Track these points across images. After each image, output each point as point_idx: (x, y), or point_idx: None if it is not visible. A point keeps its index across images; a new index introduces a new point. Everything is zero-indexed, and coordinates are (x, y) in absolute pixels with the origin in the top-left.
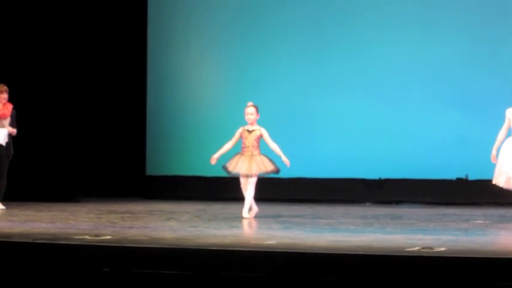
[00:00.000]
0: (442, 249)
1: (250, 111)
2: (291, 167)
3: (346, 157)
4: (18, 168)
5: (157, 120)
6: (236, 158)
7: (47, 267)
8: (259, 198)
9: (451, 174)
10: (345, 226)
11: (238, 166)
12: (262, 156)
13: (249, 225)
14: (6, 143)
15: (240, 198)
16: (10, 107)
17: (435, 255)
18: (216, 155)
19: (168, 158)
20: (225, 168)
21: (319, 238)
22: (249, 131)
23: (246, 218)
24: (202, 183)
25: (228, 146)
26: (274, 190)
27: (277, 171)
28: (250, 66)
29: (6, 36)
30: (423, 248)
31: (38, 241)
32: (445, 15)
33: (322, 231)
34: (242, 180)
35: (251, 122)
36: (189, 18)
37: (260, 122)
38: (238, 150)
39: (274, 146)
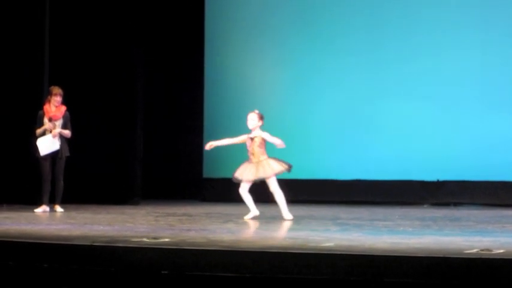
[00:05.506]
0: (501, 251)
1: (250, 117)
2: (349, 169)
3: (404, 159)
4: (76, 171)
5: (214, 122)
6: (244, 166)
7: (105, 269)
8: (318, 200)
9: (509, 176)
10: (403, 228)
11: (245, 173)
12: (269, 160)
13: (307, 228)
14: (59, 145)
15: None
16: (63, 109)
17: (494, 257)
18: (214, 143)
19: (225, 161)
20: (235, 178)
21: (377, 240)
22: (251, 139)
23: (289, 220)
24: (259, 185)
25: (227, 141)
26: (332, 192)
27: (288, 169)
28: (308, 67)
29: (70, 39)
30: (482, 250)
31: (96, 244)
32: (503, 17)
33: (380, 233)
34: (244, 185)
35: (251, 127)
36: (245, 19)
37: (318, 123)
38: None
39: (275, 141)
